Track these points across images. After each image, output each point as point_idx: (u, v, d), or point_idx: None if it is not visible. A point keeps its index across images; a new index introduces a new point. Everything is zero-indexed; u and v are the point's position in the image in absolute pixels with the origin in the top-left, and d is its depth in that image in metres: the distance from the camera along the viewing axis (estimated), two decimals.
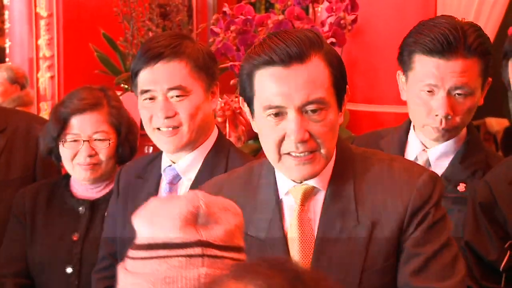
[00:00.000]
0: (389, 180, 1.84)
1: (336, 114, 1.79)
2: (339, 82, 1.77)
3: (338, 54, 1.83)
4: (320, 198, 1.82)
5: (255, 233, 1.88)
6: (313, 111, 1.72)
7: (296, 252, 1.85)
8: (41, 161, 2.86)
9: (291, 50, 1.71)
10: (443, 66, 2.18)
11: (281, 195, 1.84)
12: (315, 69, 1.73)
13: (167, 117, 2.23)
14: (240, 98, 1.85)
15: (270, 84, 1.72)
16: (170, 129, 2.25)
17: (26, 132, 2.96)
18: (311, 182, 1.81)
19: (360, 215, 1.84)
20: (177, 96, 2.22)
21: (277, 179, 1.88)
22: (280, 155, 1.76)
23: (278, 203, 1.84)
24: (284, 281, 1.29)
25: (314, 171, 1.77)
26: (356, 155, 1.90)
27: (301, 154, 1.75)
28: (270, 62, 1.71)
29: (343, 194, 1.85)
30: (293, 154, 1.75)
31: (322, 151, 1.75)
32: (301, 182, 1.83)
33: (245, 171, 1.91)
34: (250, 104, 1.80)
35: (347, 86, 1.83)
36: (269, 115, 1.74)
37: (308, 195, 1.83)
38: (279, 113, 1.73)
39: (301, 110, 1.72)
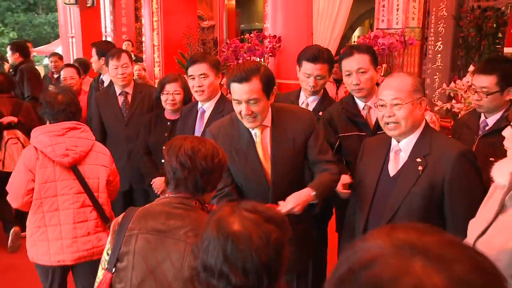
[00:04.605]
0: (297, 118, 1.85)
1: (265, 101, 1.76)
2: (267, 88, 1.75)
3: (270, 74, 1.80)
4: (269, 130, 1.82)
5: (241, 147, 1.83)
6: (252, 102, 1.71)
7: (261, 155, 1.82)
8: (157, 106, 2.92)
9: (242, 75, 1.69)
10: (312, 67, 2.28)
11: (251, 130, 1.84)
12: (254, 84, 1.69)
13: (198, 86, 2.31)
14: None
15: (234, 90, 1.74)
16: (199, 92, 2.33)
17: (150, 93, 3.05)
18: (264, 123, 1.82)
19: (288, 135, 1.84)
20: (203, 78, 2.29)
21: None
22: (242, 117, 1.78)
23: (250, 133, 1.82)
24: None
25: (256, 125, 1.79)
26: (281, 108, 1.88)
27: (249, 119, 1.75)
28: (234, 81, 1.71)
29: (279, 128, 1.82)
30: (246, 118, 1.75)
31: (258, 117, 1.76)
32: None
33: (231, 118, 1.88)
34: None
35: (274, 87, 1.82)
36: (235, 102, 1.77)
37: (263, 129, 1.82)
38: (238, 102, 1.74)
39: (247, 102, 1.72)
